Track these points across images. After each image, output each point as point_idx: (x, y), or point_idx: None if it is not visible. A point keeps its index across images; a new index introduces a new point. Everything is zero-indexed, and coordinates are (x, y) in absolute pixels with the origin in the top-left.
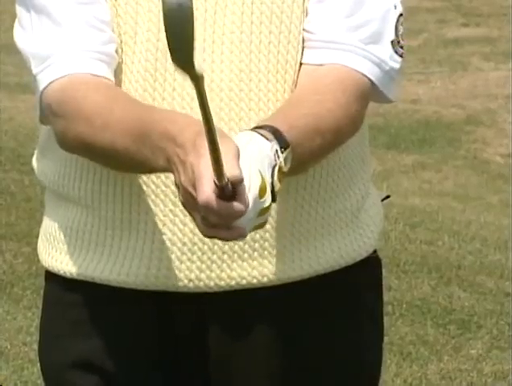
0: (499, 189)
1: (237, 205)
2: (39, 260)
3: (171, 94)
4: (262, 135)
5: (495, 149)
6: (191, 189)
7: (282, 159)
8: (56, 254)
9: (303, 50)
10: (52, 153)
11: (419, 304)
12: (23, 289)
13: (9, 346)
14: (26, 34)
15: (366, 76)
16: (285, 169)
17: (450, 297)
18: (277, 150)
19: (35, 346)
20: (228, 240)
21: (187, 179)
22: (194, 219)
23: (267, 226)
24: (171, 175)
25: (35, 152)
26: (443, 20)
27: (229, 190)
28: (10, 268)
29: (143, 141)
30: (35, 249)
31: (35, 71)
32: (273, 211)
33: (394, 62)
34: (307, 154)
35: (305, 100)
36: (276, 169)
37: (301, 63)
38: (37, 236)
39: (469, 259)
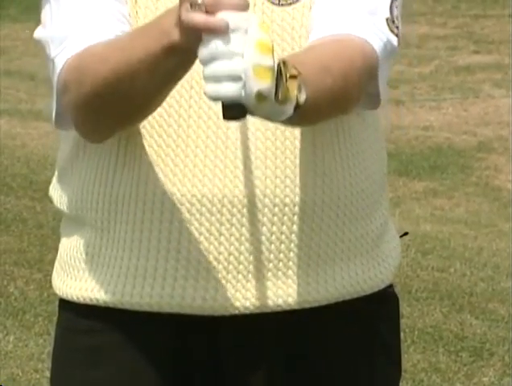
0: (511, 216)
1: None
2: (50, 287)
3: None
4: None
5: (507, 176)
6: None
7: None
8: (71, 281)
9: None
10: (69, 177)
11: (430, 331)
12: (35, 316)
13: (20, 374)
14: (46, 26)
15: (370, 43)
16: (301, 99)
17: (462, 324)
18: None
19: (47, 374)
20: (205, 27)
21: None
22: (182, 2)
23: (282, 246)
24: (182, 191)
25: (52, 181)
26: (455, 47)
27: None
28: (21, 295)
29: (142, 34)
30: (47, 276)
31: (53, 54)
32: (289, 232)
33: (392, 38)
34: (320, 93)
35: (315, 46)
36: (282, 64)
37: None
38: (49, 263)
39: (481, 286)
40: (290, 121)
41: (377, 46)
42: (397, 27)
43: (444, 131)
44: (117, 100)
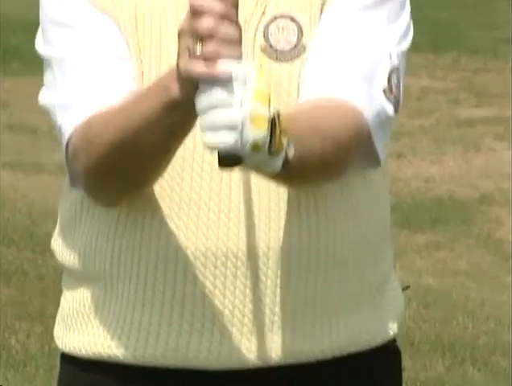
0: None
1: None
2: (51, 340)
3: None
4: None
5: (508, 229)
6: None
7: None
8: (74, 335)
9: None
10: (72, 233)
11: (433, 384)
12: (36, 369)
13: None
14: (51, 92)
15: (361, 111)
16: (290, 154)
17: (464, 376)
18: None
19: None
20: (205, 76)
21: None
22: (181, 52)
23: (287, 298)
24: (185, 244)
25: (54, 234)
26: (456, 100)
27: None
28: (22, 348)
29: (144, 94)
30: (48, 328)
31: (59, 121)
32: (295, 283)
33: (387, 108)
34: (308, 156)
35: (306, 109)
36: (277, 116)
37: None
38: (50, 316)
39: (484, 339)
40: (279, 178)
41: (370, 115)
42: (395, 96)
43: (446, 183)
44: (123, 161)
